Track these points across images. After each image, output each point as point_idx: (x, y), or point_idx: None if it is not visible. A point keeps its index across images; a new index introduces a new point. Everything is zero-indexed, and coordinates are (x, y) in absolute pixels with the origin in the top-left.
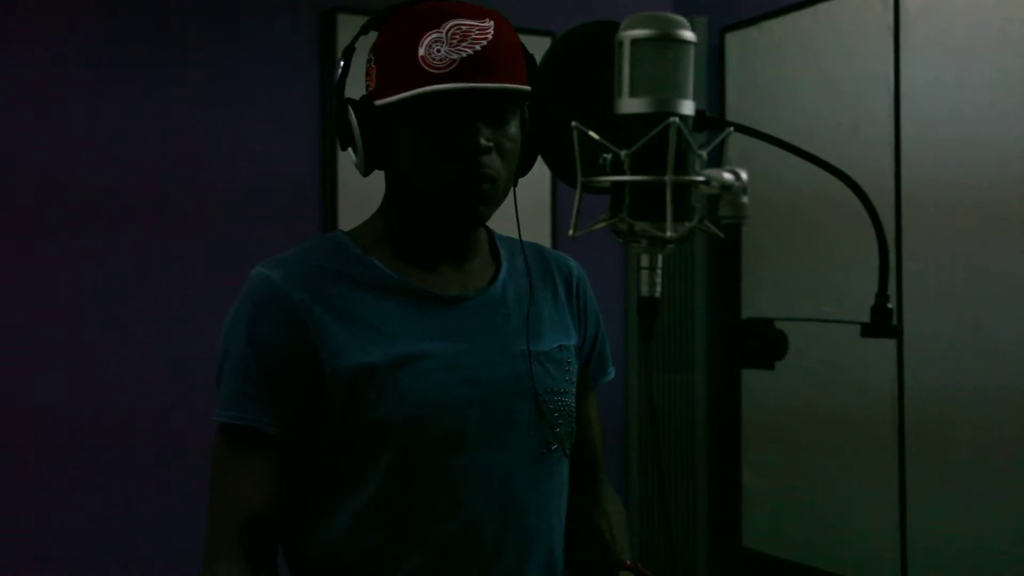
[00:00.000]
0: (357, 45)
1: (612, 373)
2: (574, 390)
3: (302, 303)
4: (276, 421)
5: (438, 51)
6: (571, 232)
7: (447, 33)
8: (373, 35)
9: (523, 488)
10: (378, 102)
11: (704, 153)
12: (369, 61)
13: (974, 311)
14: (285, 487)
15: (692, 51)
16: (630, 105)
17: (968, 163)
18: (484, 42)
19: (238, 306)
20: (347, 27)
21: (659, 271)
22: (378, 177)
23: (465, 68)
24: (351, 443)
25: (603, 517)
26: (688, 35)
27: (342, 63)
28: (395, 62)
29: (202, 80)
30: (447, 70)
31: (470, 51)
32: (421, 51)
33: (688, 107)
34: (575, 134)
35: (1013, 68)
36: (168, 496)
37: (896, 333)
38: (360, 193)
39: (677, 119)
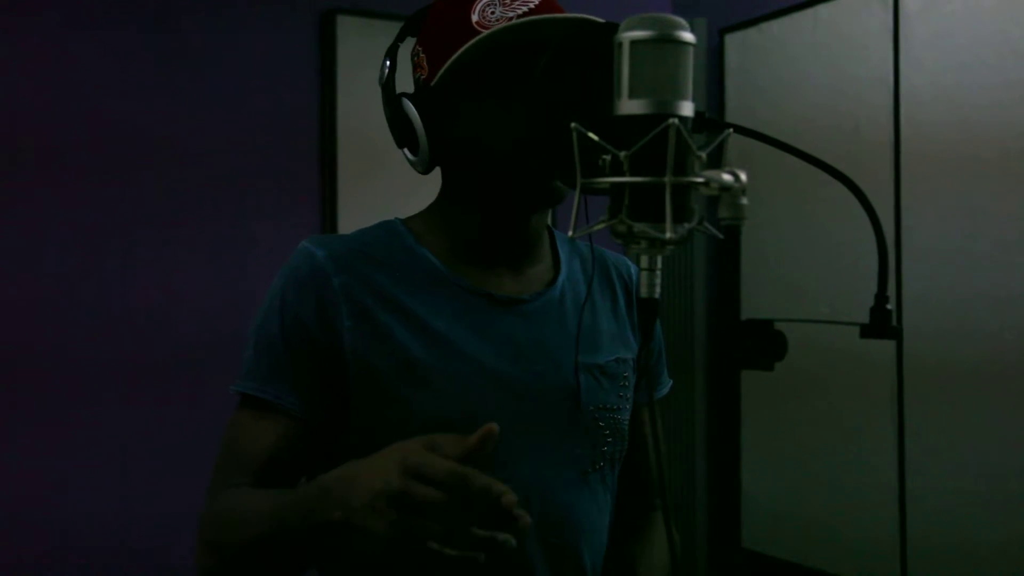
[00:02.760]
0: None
1: (669, 384)
2: (628, 406)
3: (341, 288)
4: (297, 399)
5: (492, 12)
6: (570, 233)
7: None
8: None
9: (564, 507)
10: (436, 78)
11: (703, 154)
12: (416, 54)
13: (975, 311)
14: (298, 457)
15: (691, 52)
16: (629, 106)
17: (968, 163)
18: (536, 1)
19: (278, 277)
20: (347, 28)
21: (658, 272)
22: (376, 173)
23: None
24: (377, 443)
25: (641, 551)
26: (687, 36)
27: (388, 62)
28: (448, 36)
29: (203, 80)
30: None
31: (525, 8)
32: (475, 17)
33: (687, 108)
34: (575, 135)
35: (1012, 68)
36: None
37: (895, 334)
38: (359, 199)
39: (676, 120)
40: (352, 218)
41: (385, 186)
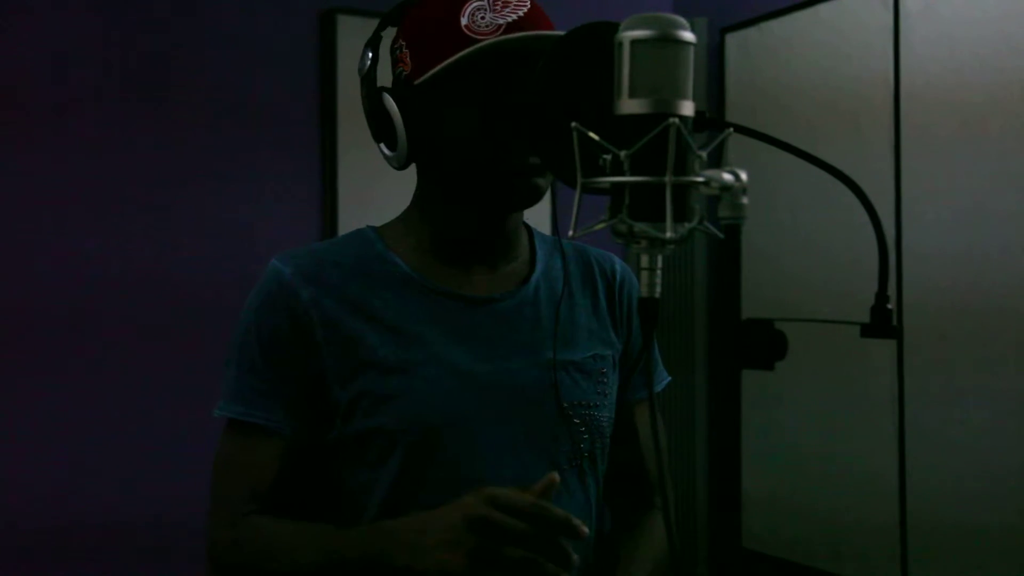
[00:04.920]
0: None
1: (666, 380)
2: (608, 403)
3: (310, 300)
4: (285, 418)
5: (482, 18)
6: (571, 233)
7: (489, 2)
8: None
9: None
10: (421, 78)
11: (704, 154)
12: (398, 48)
13: (976, 309)
14: (293, 477)
15: (691, 52)
16: (630, 106)
17: (969, 162)
18: (526, 8)
19: (250, 298)
20: (347, 27)
21: (659, 272)
22: (377, 171)
23: (513, 31)
24: (359, 450)
25: (632, 547)
26: (687, 36)
27: (370, 53)
28: (435, 36)
29: (203, 78)
30: (496, 34)
31: (515, 16)
32: (464, 20)
33: (688, 108)
34: (575, 135)
35: (1013, 67)
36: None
37: (896, 334)
38: (359, 198)
39: (677, 120)
40: (353, 218)
41: (386, 185)
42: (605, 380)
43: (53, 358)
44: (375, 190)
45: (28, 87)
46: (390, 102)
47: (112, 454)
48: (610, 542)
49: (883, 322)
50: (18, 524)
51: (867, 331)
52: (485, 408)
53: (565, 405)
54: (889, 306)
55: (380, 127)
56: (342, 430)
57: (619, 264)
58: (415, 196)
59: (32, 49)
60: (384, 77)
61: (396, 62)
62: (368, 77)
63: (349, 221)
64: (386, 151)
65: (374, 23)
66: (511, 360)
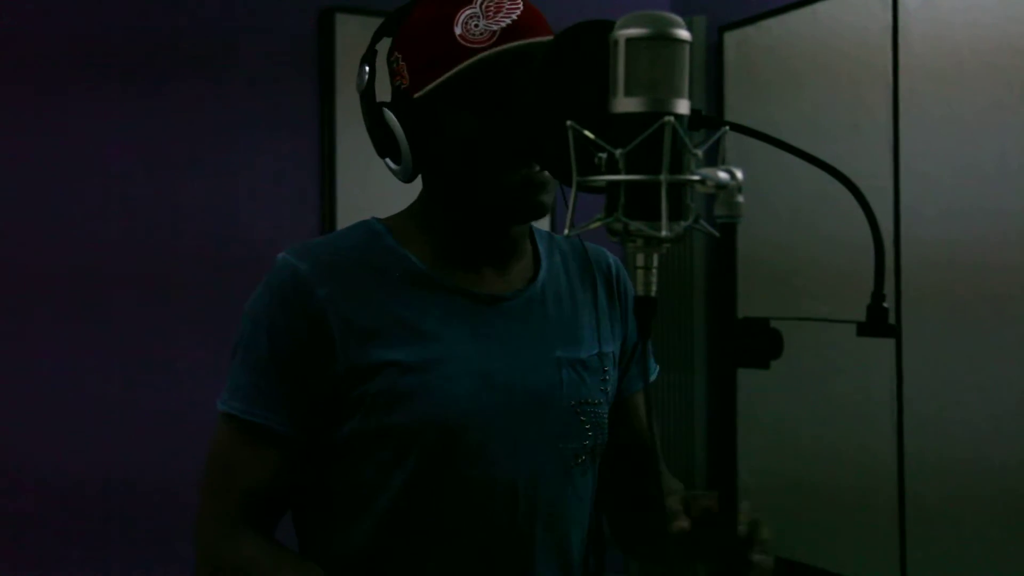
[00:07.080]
0: (360, 51)
1: (656, 371)
2: (608, 400)
3: (327, 298)
4: (285, 419)
5: (476, 25)
6: (567, 231)
7: (481, 8)
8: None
9: (548, 501)
10: (420, 92)
11: (700, 152)
12: (394, 61)
13: (974, 304)
14: (289, 477)
15: (687, 50)
16: (625, 104)
17: (967, 163)
18: (518, 11)
19: (259, 292)
20: (345, 26)
21: (655, 270)
22: (376, 171)
23: (508, 37)
24: (372, 447)
25: (660, 488)
26: (683, 34)
27: (367, 68)
28: (430, 47)
29: (201, 77)
30: (491, 42)
31: (508, 21)
32: (458, 29)
33: (683, 106)
34: (570, 133)
35: (1012, 68)
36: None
37: (893, 332)
38: (358, 199)
39: (672, 118)
40: (353, 215)
41: (383, 181)
42: (607, 377)
43: (58, 331)
44: (373, 186)
45: (28, 74)
46: (391, 117)
47: (118, 418)
48: (618, 526)
49: (879, 321)
50: (47, 484)
51: (863, 330)
52: (501, 407)
53: (573, 403)
54: (885, 304)
55: (383, 142)
56: (356, 428)
57: (612, 259)
58: (421, 199)
59: (31, 42)
60: (383, 87)
61: (394, 75)
62: (367, 93)
63: (349, 218)
64: (392, 165)
65: (373, 21)
66: (523, 359)
